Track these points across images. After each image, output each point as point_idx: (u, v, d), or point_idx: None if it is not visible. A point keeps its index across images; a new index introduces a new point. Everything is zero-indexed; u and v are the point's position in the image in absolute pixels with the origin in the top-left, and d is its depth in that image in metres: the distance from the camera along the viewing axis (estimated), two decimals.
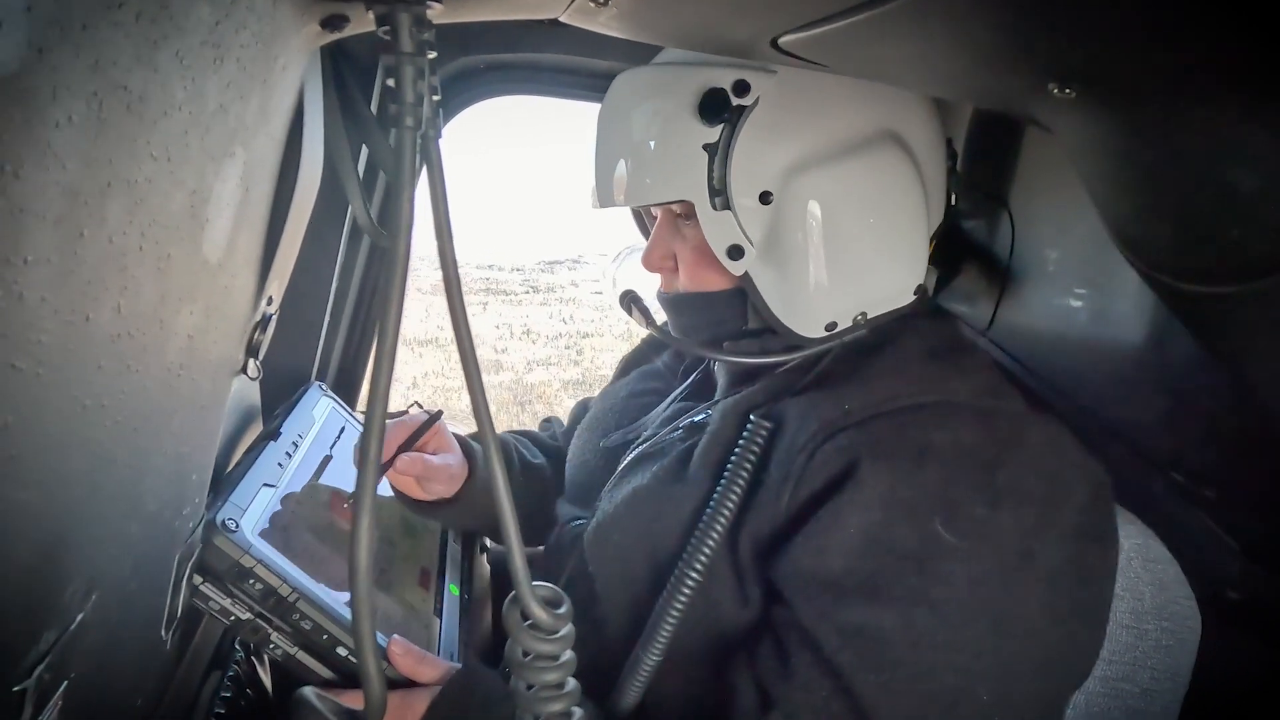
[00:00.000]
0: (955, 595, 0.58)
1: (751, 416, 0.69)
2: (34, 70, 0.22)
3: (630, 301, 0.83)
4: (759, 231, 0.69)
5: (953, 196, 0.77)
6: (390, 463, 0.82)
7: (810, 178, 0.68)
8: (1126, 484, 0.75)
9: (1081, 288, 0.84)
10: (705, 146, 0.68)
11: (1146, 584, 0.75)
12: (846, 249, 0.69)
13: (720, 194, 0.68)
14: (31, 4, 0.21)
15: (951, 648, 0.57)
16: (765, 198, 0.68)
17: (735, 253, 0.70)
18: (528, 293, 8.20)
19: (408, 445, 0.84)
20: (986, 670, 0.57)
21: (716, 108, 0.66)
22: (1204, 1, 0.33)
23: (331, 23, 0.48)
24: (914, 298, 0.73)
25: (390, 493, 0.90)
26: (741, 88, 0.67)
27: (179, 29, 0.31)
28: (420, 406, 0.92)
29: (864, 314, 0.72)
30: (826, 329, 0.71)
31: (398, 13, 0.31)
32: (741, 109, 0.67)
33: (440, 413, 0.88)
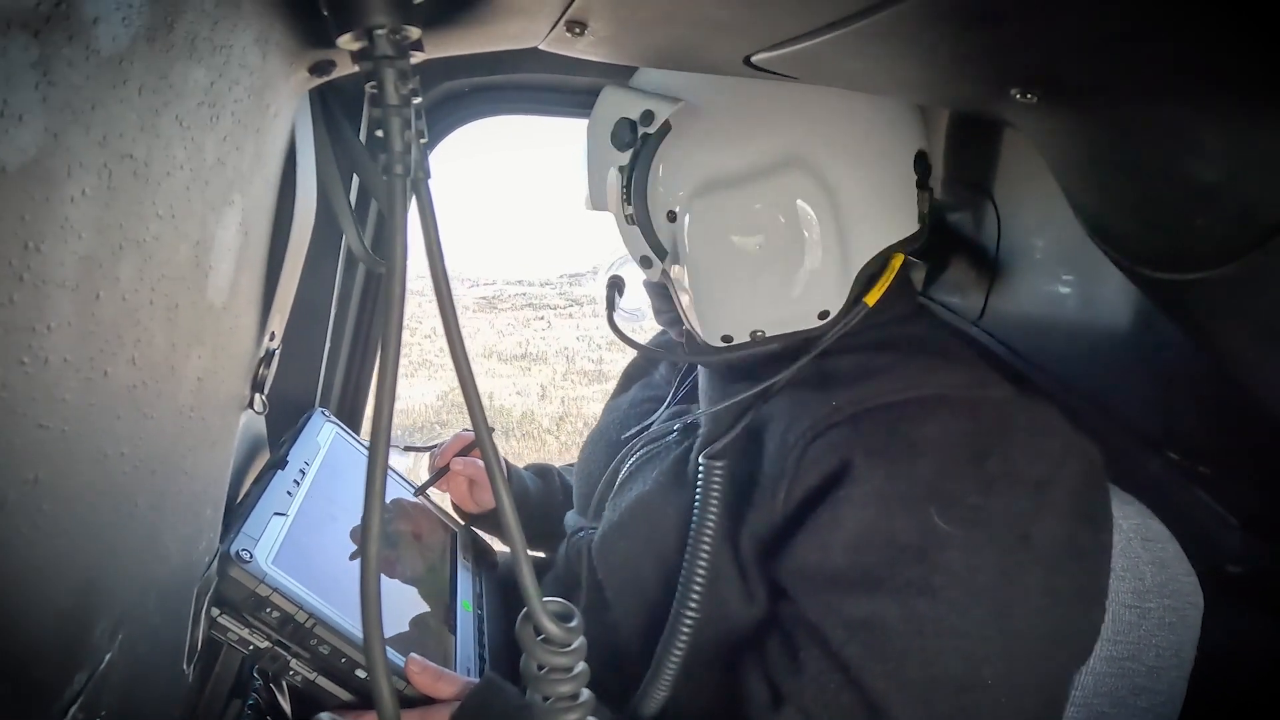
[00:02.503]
0: (955, 582, 0.59)
1: (701, 459, 0.71)
2: (50, 153, 0.24)
3: (612, 288, 0.90)
4: (670, 244, 0.75)
5: (923, 210, 0.76)
6: (444, 470, 1.01)
7: (707, 202, 0.71)
8: (1123, 464, 0.76)
9: (1069, 274, 0.86)
10: (620, 169, 0.75)
11: (1147, 563, 0.76)
12: (734, 272, 0.72)
13: (631, 211, 0.76)
14: (46, 95, 0.23)
15: (955, 634, 0.59)
16: (671, 216, 0.74)
17: (645, 263, 0.78)
18: (568, 305, 8.28)
19: (464, 454, 1.03)
20: (991, 653, 0.59)
21: (624, 136, 0.74)
22: (1149, 8, 0.35)
23: (320, 68, 0.50)
24: (819, 323, 0.73)
25: (448, 505, 1.06)
26: (647, 117, 0.73)
27: (178, 94, 0.32)
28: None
29: (761, 332, 0.74)
30: (723, 340, 0.75)
31: (383, 68, 0.33)
32: (647, 137, 0.73)
33: (492, 430, 0.94)
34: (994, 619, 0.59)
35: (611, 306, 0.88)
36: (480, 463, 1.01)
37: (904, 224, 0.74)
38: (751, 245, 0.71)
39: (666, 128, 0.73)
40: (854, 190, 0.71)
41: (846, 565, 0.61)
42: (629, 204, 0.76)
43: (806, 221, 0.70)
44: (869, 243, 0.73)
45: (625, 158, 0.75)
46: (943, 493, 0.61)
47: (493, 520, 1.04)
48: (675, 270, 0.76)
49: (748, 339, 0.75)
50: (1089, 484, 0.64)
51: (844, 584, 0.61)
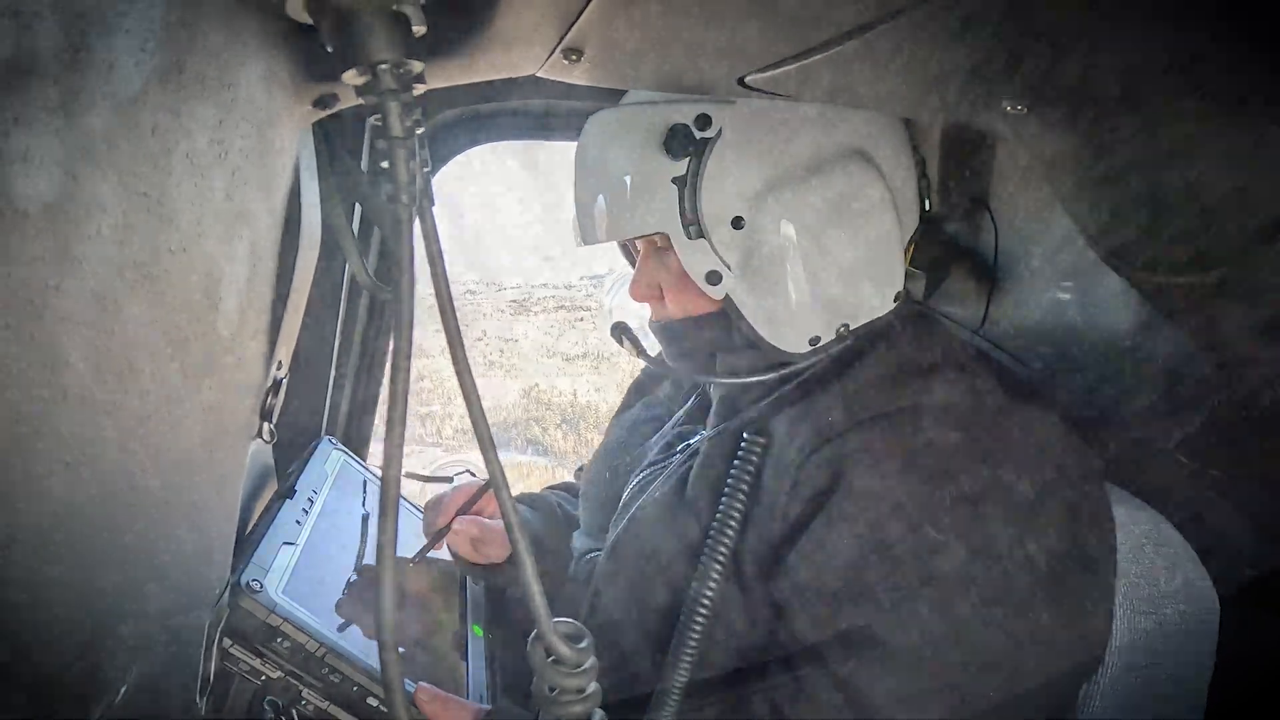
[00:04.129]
0: (950, 589, 0.58)
1: (745, 434, 0.69)
2: (70, 195, 0.24)
3: (621, 333, 0.85)
4: (735, 255, 0.71)
5: (926, 202, 0.80)
6: (448, 527, 0.88)
7: (780, 199, 0.70)
8: (1131, 470, 0.76)
9: (1067, 281, 0.86)
10: (675, 180, 0.70)
11: (1161, 569, 0.75)
12: (821, 264, 0.71)
13: (693, 223, 0.70)
14: (65, 139, 0.23)
15: (952, 640, 0.58)
16: (738, 222, 0.70)
17: (714, 278, 0.72)
18: (599, 307, 8.37)
19: (465, 509, 0.89)
20: (990, 661, 0.58)
21: (681, 142, 0.68)
22: (1135, 13, 0.36)
23: (323, 101, 0.51)
24: (894, 305, 0.75)
25: (448, 556, 0.94)
26: (703, 121, 0.69)
27: (187, 133, 0.33)
28: (473, 474, 0.96)
29: (846, 325, 0.73)
30: (810, 343, 0.73)
31: (387, 101, 0.34)
32: (705, 141, 0.69)
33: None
34: (991, 626, 0.58)
35: (640, 348, 0.85)
36: (483, 520, 0.90)
37: (918, 210, 0.78)
38: (834, 236, 0.71)
39: (719, 131, 0.69)
40: (896, 175, 0.74)
41: (841, 580, 0.61)
42: (690, 217, 0.70)
43: (879, 206, 0.72)
44: (909, 226, 0.76)
45: (681, 167, 0.69)
46: (935, 501, 0.60)
47: (494, 572, 0.93)
48: (739, 282, 0.72)
49: (834, 336, 0.73)
50: (1086, 488, 0.63)
51: (838, 598, 0.61)
